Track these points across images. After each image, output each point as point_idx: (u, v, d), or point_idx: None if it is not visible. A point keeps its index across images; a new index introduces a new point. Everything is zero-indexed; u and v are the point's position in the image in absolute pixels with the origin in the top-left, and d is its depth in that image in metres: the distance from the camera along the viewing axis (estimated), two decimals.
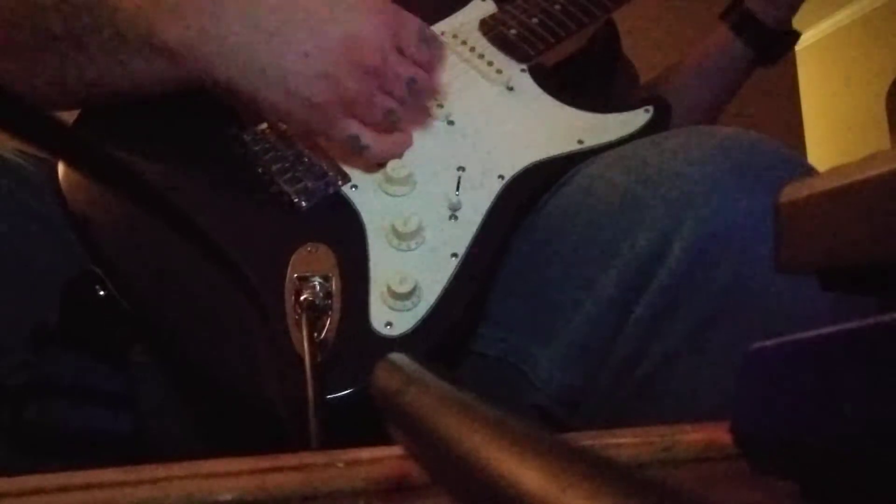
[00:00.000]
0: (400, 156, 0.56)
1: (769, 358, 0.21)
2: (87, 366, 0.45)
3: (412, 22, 0.56)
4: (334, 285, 0.48)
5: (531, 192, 0.56)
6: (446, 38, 0.65)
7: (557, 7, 0.67)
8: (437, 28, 0.66)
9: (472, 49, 0.65)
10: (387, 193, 0.54)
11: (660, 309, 0.45)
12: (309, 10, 0.53)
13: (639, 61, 0.92)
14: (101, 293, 0.46)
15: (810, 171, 0.48)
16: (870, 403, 0.17)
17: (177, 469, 0.24)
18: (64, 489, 0.23)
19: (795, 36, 0.81)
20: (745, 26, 0.79)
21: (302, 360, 0.42)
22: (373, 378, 0.21)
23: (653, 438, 0.28)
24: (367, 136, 0.54)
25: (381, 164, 0.55)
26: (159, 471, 0.24)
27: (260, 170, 0.55)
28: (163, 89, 0.55)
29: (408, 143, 0.57)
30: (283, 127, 0.57)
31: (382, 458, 0.25)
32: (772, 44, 0.79)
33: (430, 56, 0.57)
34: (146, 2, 0.52)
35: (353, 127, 0.54)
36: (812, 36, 2.85)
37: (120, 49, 0.53)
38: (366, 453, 0.26)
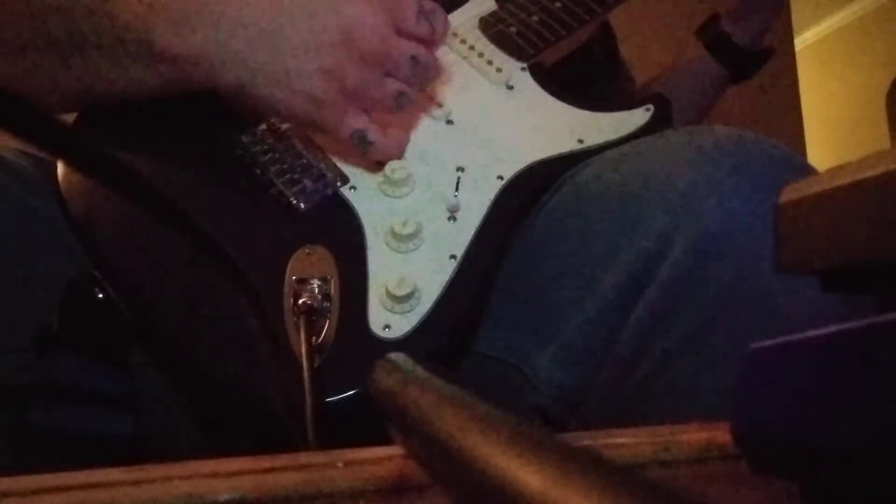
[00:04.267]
0: (399, 156, 0.56)
1: (769, 358, 0.21)
2: (87, 368, 0.45)
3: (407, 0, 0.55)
4: (333, 287, 0.48)
5: (531, 192, 0.56)
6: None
7: (558, 5, 0.67)
8: None
9: (472, 47, 0.65)
10: (385, 195, 0.54)
11: (659, 309, 0.45)
12: (304, 5, 0.53)
13: (638, 63, 0.92)
14: (99, 296, 0.46)
15: (810, 171, 0.48)
16: (870, 403, 0.17)
17: (177, 469, 0.24)
18: (64, 489, 0.23)
19: (768, 54, 0.82)
20: (719, 47, 0.80)
21: (299, 363, 0.42)
22: (372, 378, 0.21)
23: (653, 438, 0.28)
24: (373, 132, 0.54)
25: (379, 165, 0.55)
26: (159, 471, 0.24)
27: (258, 171, 0.55)
28: (163, 93, 0.55)
29: (410, 140, 0.57)
30: (283, 128, 0.57)
31: (382, 458, 0.25)
32: (745, 64, 0.81)
33: (430, 28, 0.56)
34: (145, 9, 0.52)
35: (360, 122, 0.54)
36: (812, 36, 2.86)
37: (120, 55, 0.53)
38: (366, 453, 0.26)
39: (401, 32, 0.54)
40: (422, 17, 0.55)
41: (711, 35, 0.80)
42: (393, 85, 0.54)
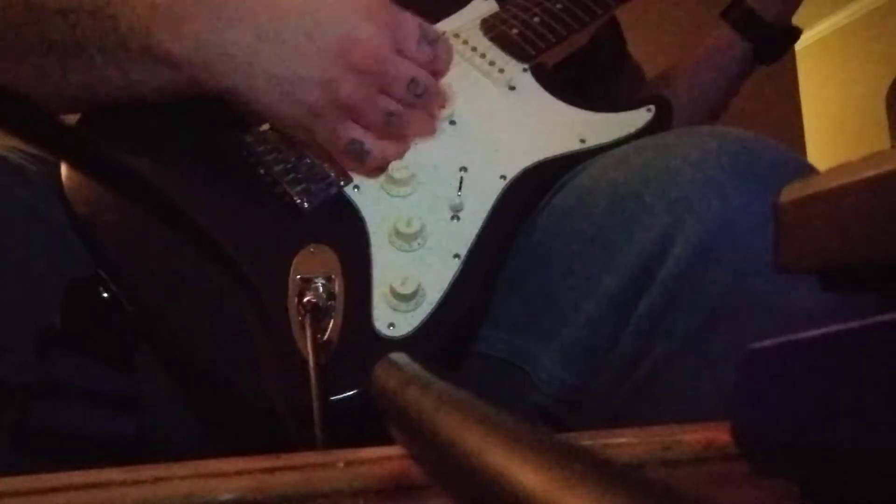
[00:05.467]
0: (402, 157, 0.56)
1: (769, 358, 0.21)
2: (90, 368, 0.45)
3: (411, 22, 0.55)
4: (337, 286, 0.48)
5: (533, 191, 0.56)
6: (447, 38, 0.65)
7: (559, 6, 0.67)
8: (438, 28, 0.66)
9: (474, 48, 0.65)
10: (389, 194, 0.54)
11: (660, 309, 0.45)
12: (305, 15, 0.53)
13: (642, 60, 0.92)
14: (104, 295, 0.46)
15: (810, 171, 0.48)
16: (870, 403, 0.17)
17: (177, 469, 0.24)
18: (64, 489, 0.23)
19: (796, 33, 0.82)
20: (747, 24, 0.79)
21: (305, 362, 0.42)
22: (373, 378, 0.21)
23: (653, 438, 0.28)
24: (369, 142, 0.54)
25: (381, 169, 0.55)
26: (159, 471, 0.24)
27: (262, 171, 0.55)
28: (165, 96, 0.55)
29: (408, 148, 0.57)
30: (285, 132, 0.57)
31: (382, 458, 0.25)
32: (773, 41, 0.80)
33: (434, 56, 0.56)
34: (147, 11, 0.52)
35: (355, 132, 0.54)
36: (812, 36, 2.86)
37: (122, 57, 0.53)
38: (366, 453, 0.26)
39: (401, 53, 0.54)
40: (424, 42, 0.55)
41: (739, 12, 0.80)
42: (386, 104, 0.54)
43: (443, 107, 0.60)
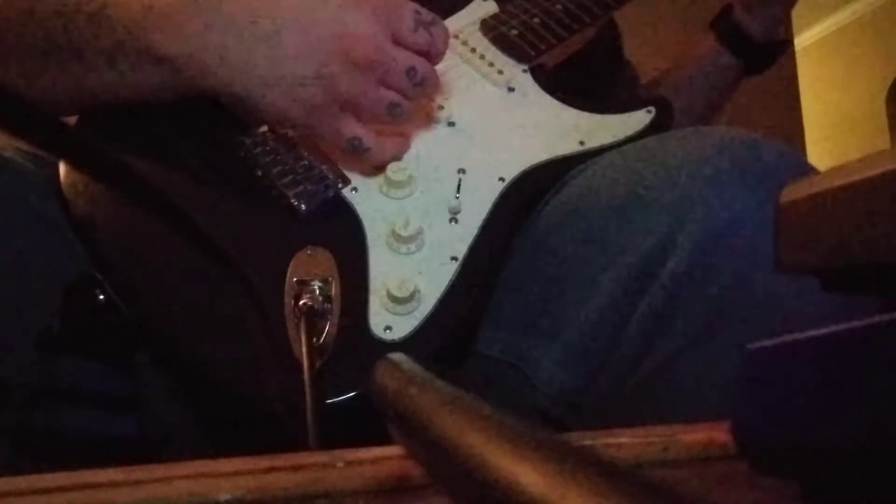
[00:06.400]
0: (400, 158, 0.56)
1: (769, 358, 0.21)
2: (90, 369, 0.45)
3: (405, 8, 0.55)
4: (334, 289, 0.48)
5: (532, 194, 0.56)
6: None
7: (559, 7, 0.67)
8: None
9: (473, 50, 0.65)
10: (387, 196, 0.54)
11: (661, 309, 0.45)
12: (300, 11, 0.53)
13: (639, 63, 0.92)
14: (101, 298, 0.46)
15: (810, 171, 0.48)
16: (870, 403, 0.17)
17: (177, 469, 0.24)
18: (64, 489, 0.23)
19: (783, 45, 0.82)
20: (732, 37, 0.80)
21: (300, 365, 0.42)
22: (372, 378, 0.21)
23: (653, 438, 0.28)
24: (369, 139, 0.54)
25: (381, 167, 0.55)
26: (159, 471, 0.24)
27: (260, 173, 0.55)
28: (162, 97, 0.55)
29: (408, 145, 0.57)
30: (284, 130, 0.57)
31: (382, 458, 0.25)
32: (758, 54, 0.80)
33: (430, 40, 0.55)
34: (143, 13, 0.52)
35: (355, 129, 0.54)
36: (812, 36, 2.86)
37: (119, 59, 0.53)
38: (366, 453, 0.26)
39: (399, 42, 0.54)
40: (420, 28, 0.55)
41: (724, 26, 0.80)
42: (387, 95, 0.53)
43: (441, 106, 0.60)
